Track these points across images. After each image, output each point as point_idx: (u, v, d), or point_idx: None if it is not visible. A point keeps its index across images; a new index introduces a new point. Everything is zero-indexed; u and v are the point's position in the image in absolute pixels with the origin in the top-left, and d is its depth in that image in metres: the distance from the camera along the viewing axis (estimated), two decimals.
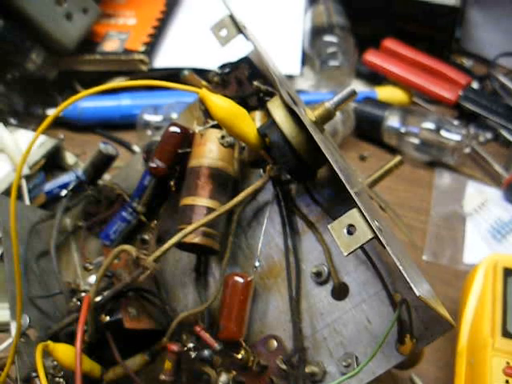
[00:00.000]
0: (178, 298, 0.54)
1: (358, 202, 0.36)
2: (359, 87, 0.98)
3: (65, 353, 0.45)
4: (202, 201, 0.48)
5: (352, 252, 0.36)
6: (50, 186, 0.66)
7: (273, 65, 0.50)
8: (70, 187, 0.62)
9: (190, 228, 0.45)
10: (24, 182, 0.64)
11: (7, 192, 0.63)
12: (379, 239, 0.35)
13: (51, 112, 0.91)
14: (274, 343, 0.46)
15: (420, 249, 0.75)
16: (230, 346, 0.46)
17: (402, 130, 0.85)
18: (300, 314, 0.47)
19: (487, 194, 0.81)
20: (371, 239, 0.35)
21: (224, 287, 0.47)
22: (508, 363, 0.51)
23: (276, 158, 0.45)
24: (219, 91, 0.53)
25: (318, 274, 0.47)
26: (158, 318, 0.51)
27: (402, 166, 0.57)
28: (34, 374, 0.47)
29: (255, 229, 0.51)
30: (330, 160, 0.39)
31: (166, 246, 0.45)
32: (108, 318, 0.47)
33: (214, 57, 0.67)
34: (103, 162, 0.63)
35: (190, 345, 0.46)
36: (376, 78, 0.99)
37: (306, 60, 1.00)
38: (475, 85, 0.96)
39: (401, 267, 0.34)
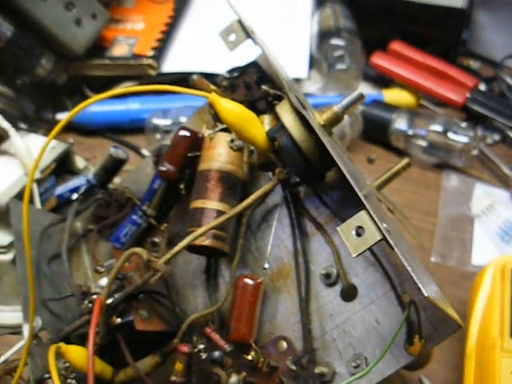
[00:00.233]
0: (188, 299, 0.54)
1: (366, 204, 0.36)
2: (366, 90, 0.98)
3: (77, 354, 0.45)
4: (211, 204, 0.48)
5: (361, 254, 0.36)
6: (60, 189, 0.66)
7: (281, 69, 0.50)
8: (81, 191, 0.63)
9: (200, 231, 0.45)
10: (35, 186, 0.65)
11: (19, 196, 0.63)
12: (387, 241, 0.35)
13: (61, 116, 0.91)
14: (284, 344, 0.47)
15: (428, 250, 0.75)
16: (240, 347, 0.46)
17: (410, 132, 0.85)
18: (309, 315, 0.47)
19: (495, 195, 0.81)
20: (380, 241, 0.36)
21: (234, 289, 0.47)
22: None
23: (285, 161, 0.46)
24: (228, 95, 0.53)
25: (327, 276, 0.47)
26: (169, 320, 0.51)
27: (409, 168, 0.58)
28: (46, 376, 0.47)
29: (264, 231, 0.51)
30: (338, 163, 0.39)
31: (177, 248, 0.45)
32: (119, 320, 0.47)
33: (222, 61, 0.68)
34: (114, 166, 0.64)
35: (201, 346, 0.47)
36: (383, 80, 0.99)
37: (313, 63, 1.00)
38: (482, 87, 0.97)
39: (409, 268, 0.34)
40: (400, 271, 0.43)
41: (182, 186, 0.53)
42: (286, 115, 0.44)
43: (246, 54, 0.56)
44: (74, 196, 0.63)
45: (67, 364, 0.47)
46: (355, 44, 0.97)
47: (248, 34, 0.53)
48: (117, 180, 0.68)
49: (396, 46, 0.98)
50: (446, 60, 0.96)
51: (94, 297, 0.50)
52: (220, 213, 0.48)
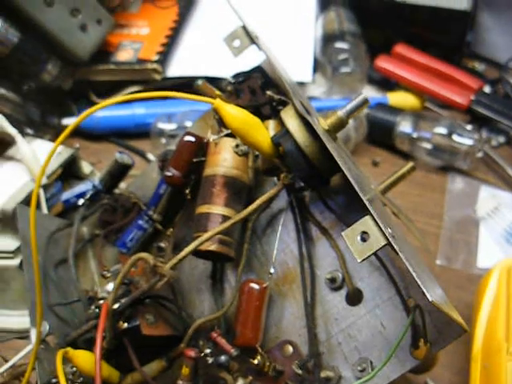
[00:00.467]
0: (194, 304, 0.54)
1: (370, 210, 0.37)
2: (371, 93, 0.98)
3: (84, 359, 0.45)
4: (217, 209, 0.49)
5: (365, 258, 0.36)
6: (67, 195, 0.67)
7: (285, 75, 0.50)
8: (87, 196, 0.63)
9: (206, 236, 0.46)
10: (42, 192, 0.65)
11: (26, 201, 0.64)
12: (392, 246, 0.36)
13: (67, 122, 0.92)
14: (290, 348, 0.47)
15: (433, 253, 0.75)
16: (246, 351, 0.46)
17: (415, 135, 0.86)
18: (315, 319, 0.47)
19: (500, 198, 0.81)
20: (384, 246, 0.36)
21: (240, 294, 0.47)
22: None
23: (290, 167, 0.46)
24: (233, 100, 0.54)
25: (332, 280, 0.47)
26: (175, 325, 0.51)
27: (414, 172, 0.58)
28: (54, 380, 0.48)
29: (270, 236, 0.52)
30: (343, 168, 0.40)
31: (183, 253, 0.45)
32: (126, 325, 0.48)
33: (227, 65, 0.68)
34: (119, 171, 0.64)
35: (207, 350, 0.47)
36: (388, 83, 0.99)
37: (317, 67, 1.00)
38: (487, 89, 0.96)
39: (414, 273, 0.34)
40: (405, 275, 0.43)
41: (187, 191, 0.53)
42: (290, 121, 0.45)
43: (250, 59, 0.56)
44: (81, 201, 0.64)
45: (74, 368, 0.48)
46: (359, 47, 0.97)
47: (252, 39, 0.53)
48: (123, 185, 0.68)
49: (400, 48, 0.98)
50: (450, 62, 0.96)
51: (101, 302, 0.51)
52: (225, 218, 0.48)
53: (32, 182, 0.66)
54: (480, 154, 0.86)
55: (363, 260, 0.36)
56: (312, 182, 0.47)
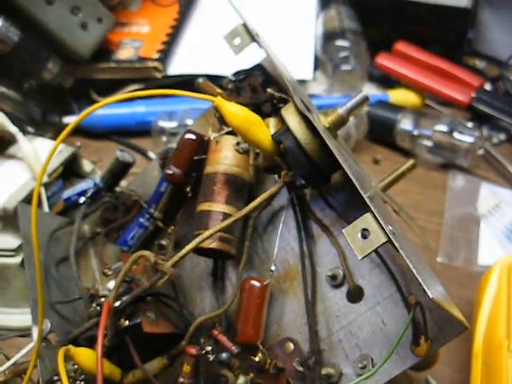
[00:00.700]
0: (195, 302, 0.54)
1: (371, 207, 0.37)
2: (371, 91, 0.98)
3: (86, 357, 0.45)
4: (218, 206, 0.49)
5: (366, 256, 0.36)
6: (68, 193, 0.66)
7: (286, 72, 0.50)
8: (88, 194, 0.63)
9: (207, 233, 0.46)
10: (43, 190, 0.65)
11: (27, 200, 0.64)
12: (393, 243, 0.36)
13: (68, 120, 0.92)
14: (291, 346, 0.47)
15: (434, 251, 0.75)
16: (247, 348, 0.46)
17: (415, 132, 0.86)
18: (316, 316, 0.47)
19: (501, 195, 0.81)
20: (385, 243, 0.36)
21: (241, 291, 0.47)
22: None
23: (291, 164, 0.46)
24: (233, 98, 0.54)
25: (333, 277, 0.47)
26: (176, 322, 0.51)
27: (415, 169, 0.58)
28: (55, 378, 0.48)
29: (271, 233, 0.52)
30: (343, 166, 0.40)
31: (184, 251, 0.45)
32: (127, 323, 0.48)
33: (228, 63, 0.68)
34: (120, 170, 0.64)
35: (208, 348, 0.47)
36: (388, 81, 0.99)
37: (318, 64, 1.00)
38: (488, 86, 0.96)
39: (414, 270, 0.34)
40: (405, 272, 0.43)
41: (188, 189, 0.53)
42: (291, 118, 0.45)
43: (251, 57, 0.56)
44: (82, 199, 0.64)
45: (76, 366, 0.47)
46: (360, 45, 0.97)
47: (253, 37, 0.53)
48: (124, 183, 0.68)
49: (401, 46, 0.98)
50: (451, 60, 0.96)
51: (102, 299, 0.51)
52: (226, 215, 0.48)
53: (33, 180, 0.67)
54: (481, 152, 0.86)
55: (364, 257, 0.36)
56: (313, 180, 0.47)
